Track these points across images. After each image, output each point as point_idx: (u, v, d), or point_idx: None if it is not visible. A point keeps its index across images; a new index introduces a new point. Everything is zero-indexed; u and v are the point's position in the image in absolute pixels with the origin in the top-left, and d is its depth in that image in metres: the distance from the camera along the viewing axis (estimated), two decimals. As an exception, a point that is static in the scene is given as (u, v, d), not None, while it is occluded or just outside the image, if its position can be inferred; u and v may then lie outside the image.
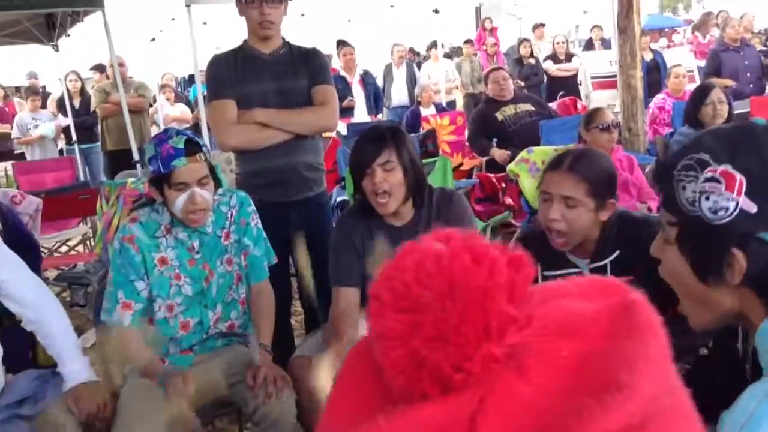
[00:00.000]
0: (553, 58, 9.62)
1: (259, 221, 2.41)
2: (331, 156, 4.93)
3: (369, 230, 2.35)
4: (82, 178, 7.24)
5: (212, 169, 2.23)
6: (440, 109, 7.63)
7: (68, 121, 7.94)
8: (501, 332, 0.65)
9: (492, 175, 4.95)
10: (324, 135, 4.46)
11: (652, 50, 8.48)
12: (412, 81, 8.66)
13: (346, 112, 7.20)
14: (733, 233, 0.98)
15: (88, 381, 2.13)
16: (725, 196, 0.98)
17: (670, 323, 0.71)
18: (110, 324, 2.20)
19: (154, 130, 8.19)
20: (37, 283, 2.26)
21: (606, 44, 10.51)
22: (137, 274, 2.19)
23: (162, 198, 2.18)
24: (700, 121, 4.02)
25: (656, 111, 5.85)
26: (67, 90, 8.01)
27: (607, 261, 1.97)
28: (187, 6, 5.80)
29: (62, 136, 8.40)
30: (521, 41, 10.26)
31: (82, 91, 8.10)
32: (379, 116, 8.06)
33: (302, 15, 12.81)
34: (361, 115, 7.52)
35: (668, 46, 12.28)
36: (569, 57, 9.69)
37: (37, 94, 8.57)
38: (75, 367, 2.14)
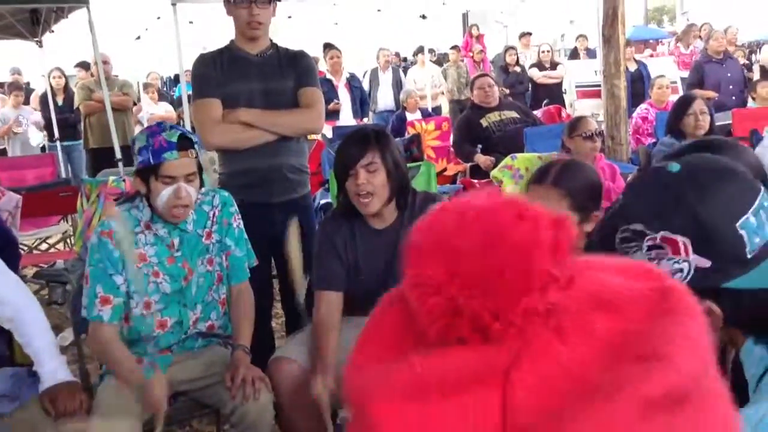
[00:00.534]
0: (539, 66, 9.67)
1: (242, 222, 2.40)
2: (315, 158, 4.92)
3: (352, 233, 2.34)
4: (63, 175, 7.18)
5: (200, 168, 2.22)
6: (426, 115, 7.65)
7: (38, 117, 7.85)
8: (542, 288, 0.65)
9: (476, 181, 4.96)
10: (309, 137, 4.46)
11: (636, 61, 8.56)
12: (398, 86, 8.68)
13: (332, 115, 7.19)
14: (698, 290, 0.97)
15: (65, 380, 2.11)
16: (675, 260, 0.97)
17: None
18: (89, 319, 2.18)
19: (137, 129, 8.13)
20: (14, 280, 2.24)
21: (591, 54, 10.60)
22: (115, 268, 2.17)
23: (146, 189, 2.16)
24: (682, 132, 4.06)
25: (639, 121, 5.90)
26: (51, 87, 7.93)
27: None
28: (173, 5, 5.78)
29: (44, 132, 8.32)
30: (507, 49, 10.31)
31: (66, 88, 8.03)
32: (365, 120, 8.07)
33: (289, 17, 12.79)
34: (347, 118, 7.52)
35: (651, 56, 12.39)
36: (554, 65, 9.75)
37: (20, 89, 8.47)
38: (52, 367, 2.12)
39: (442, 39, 15.73)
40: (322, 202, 4.18)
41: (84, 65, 8.22)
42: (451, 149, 6.15)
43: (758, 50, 11.33)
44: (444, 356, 0.66)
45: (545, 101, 8.31)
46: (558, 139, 3.98)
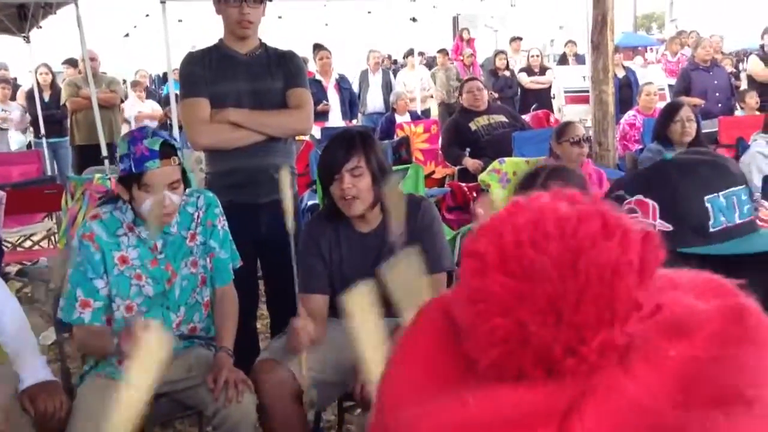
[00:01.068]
0: (528, 70, 9.70)
1: (226, 223, 2.38)
2: (303, 159, 4.91)
3: (336, 236, 2.34)
4: (49, 172, 7.13)
5: (183, 172, 2.19)
6: (415, 117, 7.66)
7: (18, 115, 7.77)
8: (625, 318, 0.57)
9: (464, 184, 4.96)
10: (297, 138, 4.45)
11: (624, 67, 8.61)
12: (387, 88, 8.68)
13: (321, 116, 7.18)
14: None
15: (45, 380, 2.09)
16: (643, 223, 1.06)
17: None
18: (69, 322, 2.15)
19: (124, 127, 8.09)
20: None
21: (580, 59, 10.64)
22: (96, 272, 2.14)
23: (129, 196, 2.14)
24: (668, 138, 4.08)
25: (626, 127, 5.93)
26: (38, 83, 7.88)
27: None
28: (162, 2, 5.75)
29: (30, 129, 8.26)
30: (497, 53, 10.34)
31: (53, 85, 7.98)
32: (354, 121, 8.06)
33: (279, 17, 12.76)
34: (336, 119, 7.51)
35: (643, 65, 12.47)
36: (543, 70, 9.78)
37: (6, 82, 8.40)
38: (32, 366, 2.09)
39: (432, 42, 15.76)
40: (310, 203, 4.17)
41: (72, 62, 8.17)
42: (440, 152, 6.16)
43: (745, 59, 11.42)
44: (500, 393, 0.58)
45: (534, 106, 8.34)
46: (546, 143, 3.99)
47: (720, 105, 6.94)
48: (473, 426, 0.57)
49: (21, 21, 7.24)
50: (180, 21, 11.74)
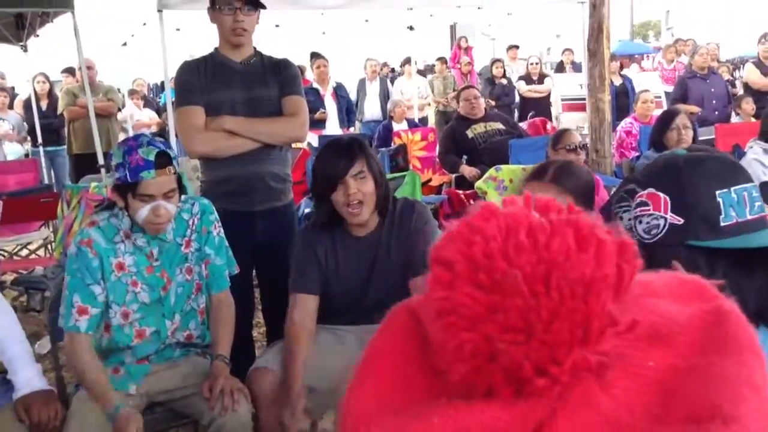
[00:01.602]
0: (527, 78, 9.72)
1: (222, 230, 2.38)
2: (300, 167, 4.91)
3: (332, 240, 2.34)
4: (46, 180, 7.11)
5: (179, 180, 2.19)
6: (412, 125, 7.67)
7: (8, 127, 7.75)
8: (599, 335, 0.54)
9: (461, 191, 4.96)
10: (294, 146, 4.45)
11: (621, 75, 8.63)
12: (385, 96, 8.70)
13: (318, 124, 7.19)
14: (668, 246, 1.05)
15: (40, 389, 2.08)
16: (654, 216, 1.08)
17: None
18: (66, 329, 2.15)
19: (122, 136, 8.08)
20: None
21: (576, 67, 10.68)
22: (94, 278, 2.14)
23: (124, 204, 2.13)
24: (665, 146, 4.08)
25: (623, 135, 5.94)
26: (35, 91, 7.88)
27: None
28: (159, 11, 5.75)
29: (28, 138, 8.26)
30: (494, 61, 10.37)
31: (50, 93, 7.98)
32: (351, 129, 8.08)
33: (276, 26, 12.80)
34: (333, 127, 7.52)
35: (638, 72, 12.50)
36: (542, 78, 9.80)
37: (4, 91, 8.39)
38: (27, 375, 2.09)
39: (429, 50, 15.79)
40: (307, 210, 4.16)
41: (70, 71, 8.17)
42: (437, 160, 6.17)
43: (742, 67, 11.46)
44: (467, 412, 0.55)
45: (530, 114, 8.35)
46: (543, 151, 3.99)
47: (717, 112, 6.96)
48: None
49: (18, 30, 7.25)
50: (177, 30, 11.76)
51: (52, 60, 10.11)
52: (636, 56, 16.44)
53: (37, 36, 7.54)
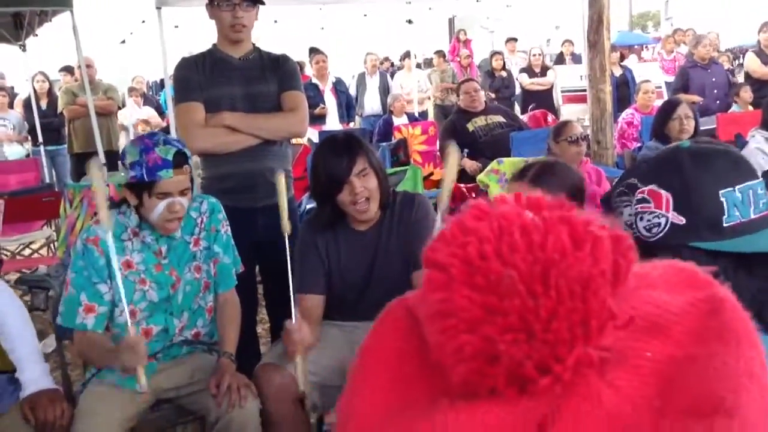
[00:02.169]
0: (528, 70, 9.70)
1: (229, 228, 2.38)
2: (301, 163, 4.90)
3: (334, 236, 2.34)
4: (47, 180, 7.11)
5: (192, 180, 2.19)
6: (412, 119, 7.65)
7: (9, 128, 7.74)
8: (600, 331, 0.54)
9: (462, 185, 4.96)
10: (295, 142, 4.44)
11: (621, 66, 8.61)
12: (385, 90, 8.68)
13: (318, 119, 7.18)
14: (668, 246, 1.03)
15: (47, 388, 2.08)
16: (656, 214, 1.06)
17: None
18: (73, 327, 2.15)
19: (122, 135, 8.08)
20: (1, 287, 2.21)
21: (576, 59, 10.66)
22: (100, 276, 2.14)
23: (137, 202, 2.13)
24: (666, 136, 4.08)
25: (624, 126, 5.94)
26: (34, 91, 7.87)
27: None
28: (158, 8, 5.74)
29: (28, 137, 8.25)
30: (493, 54, 10.34)
31: (50, 92, 7.97)
32: (351, 124, 8.07)
33: (275, 21, 12.78)
34: (333, 122, 7.51)
35: (639, 61, 12.48)
36: (544, 70, 9.78)
37: (3, 90, 8.38)
38: (34, 374, 2.09)
39: (428, 44, 15.78)
40: (308, 206, 4.15)
41: (69, 69, 8.16)
42: (438, 154, 6.15)
43: (742, 56, 11.44)
44: (471, 415, 0.54)
45: (531, 106, 8.34)
46: (544, 143, 3.99)
47: (718, 102, 6.96)
48: None
49: (17, 29, 7.24)
50: (176, 27, 11.75)
51: (51, 59, 10.09)
52: (635, 47, 16.40)
53: (36, 35, 7.53)
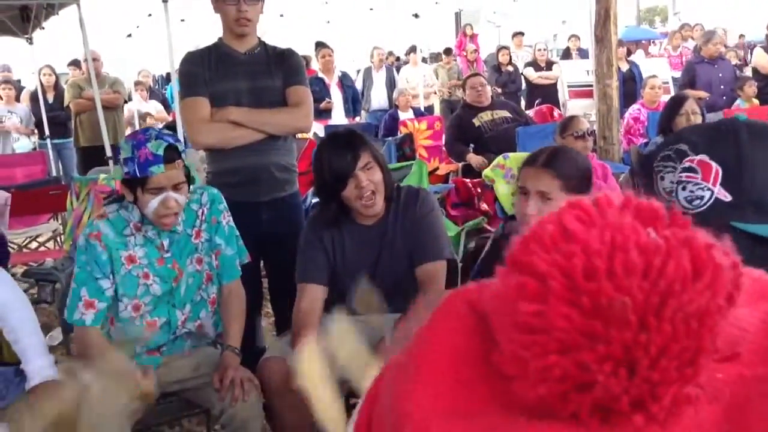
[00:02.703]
0: (534, 65, 9.67)
1: (231, 219, 2.38)
2: (307, 157, 4.89)
3: (339, 230, 2.34)
4: (54, 173, 7.13)
5: (187, 172, 2.19)
6: (418, 114, 7.64)
7: (16, 120, 7.76)
8: (702, 368, 0.49)
9: (468, 180, 4.95)
10: (300, 136, 4.44)
11: (628, 61, 8.58)
12: (391, 85, 8.67)
13: (324, 114, 7.18)
14: (708, 222, 0.98)
15: (53, 380, 2.09)
16: (701, 186, 0.99)
17: None
18: (72, 323, 2.16)
19: (129, 129, 8.08)
20: (5, 278, 2.22)
21: (583, 54, 10.61)
22: (102, 272, 2.14)
23: (133, 198, 2.14)
24: (673, 132, 4.06)
25: (631, 121, 5.91)
26: (41, 84, 7.88)
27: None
28: (164, 2, 5.74)
29: (35, 130, 8.28)
30: (500, 49, 10.31)
31: (56, 86, 7.98)
32: (357, 119, 8.06)
33: (281, 15, 12.77)
34: (339, 117, 7.50)
35: (647, 56, 12.42)
36: (549, 65, 9.75)
37: (8, 82, 8.39)
38: (39, 365, 2.10)
39: (434, 38, 15.74)
40: (314, 201, 4.16)
41: (76, 63, 8.17)
42: (444, 148, 6.15)
43: (750, 51, 11.38)
44: None
45: (537, 101, 8.32)
46: (550, 138, 3.98)
47: (725, 97, 6.93)
48: None
49: (24, 22, 7.25)
50: (182, 20, 11.76)
51: (57, 52, 10.11)
52: (643, 42, 16.33)
53: (43, 28, 7.55)
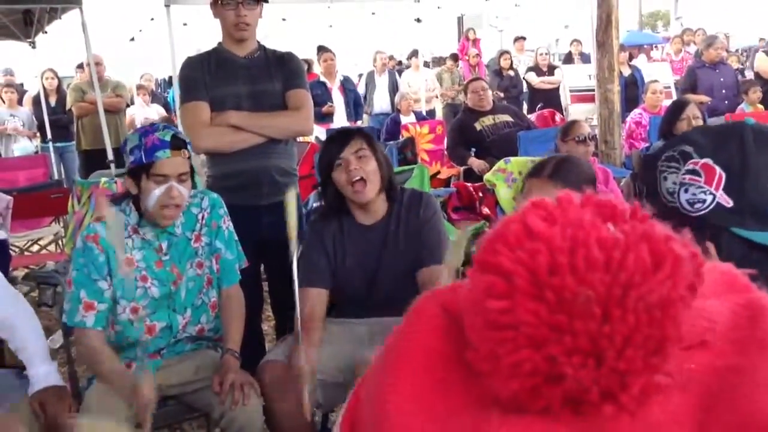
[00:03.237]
0: (536, 70, 9.67)
1: (231, 224, 2.39)
2: (308, 161, 4.90)
3: (340, 229, 2.35)
4: (56, 176, 7.14)
5: (192, 170, 2.21)
6: (420, 118, 7.65)
7: (18, 123, 7.77)
8: (669, 357, 0.50)
9: (469, 184, 4.96)
10: (302, 140, 4.44)
11: (630, 66, 8.58)
12: (394, 89, 8.68)
13: (326, 117, 7.18)
14: (707, 226, 0.97)
15: (55, 385, 2.09)
16: (704, 189, 1.00)
17: None
18: (71, 325, 2.16)
19: (130, 132, 8.08)
20: (5, 284, 2.22)
21: (585, 58, 10.61)
22: (100, 274, 2.14)
23: (137, 190, 2.14)
24: (675, 136, 4.06)
25: (633, 125, 5.92)
26: (44, 88, 7.90)
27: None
28: (167, 6, 5.76)
29: (37, 133, 8.29)
30: (501, 53, 10.32)
31: (59, 89, 7.99)
32: (359, 123, 8.06)
33: (283, 19, 12.79)
34: (341, 121, 7.51)
35: (649, 61, 12.42)
36: (551, 69, 9.75)
37: (11, 86, 8.41)
38: (42, 370, 2.10)
39: (436, 42, 15.76)
40: (315, 205, 4.16)
41: (83, 67, 8.18)
42: (445, 152, 6.15)
43: (749, 56, 11.39)
44: (523, 430, 0.51)
45: (539, 105, 8.32)
46: (551, 142, 3.98)
47: (726, 102, 6.93)
48: None
49: (27, 26, 7.26)
50: (185, 24, 11.77)
51: (60, 56, 10.13)
52: (645, 46, 16.34)
53: (45, 32, 7.56)
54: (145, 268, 2.20)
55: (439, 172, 5.98)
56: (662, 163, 1.06)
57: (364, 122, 8.37)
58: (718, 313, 0.56)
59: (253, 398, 2.11)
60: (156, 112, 8.88)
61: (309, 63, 8.08)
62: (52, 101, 7.90)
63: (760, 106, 6.81)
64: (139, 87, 9.35)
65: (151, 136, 2.10)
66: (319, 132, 6.38)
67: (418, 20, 9.44)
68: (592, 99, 6.04)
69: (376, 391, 0.59)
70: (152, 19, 14.23)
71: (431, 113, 9.29)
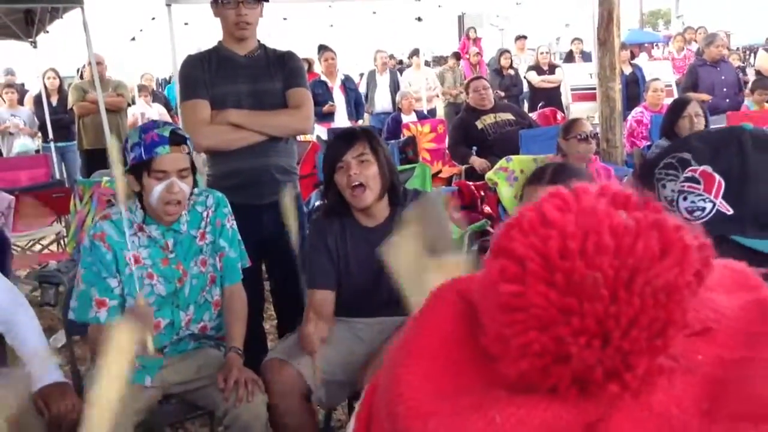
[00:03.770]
0: (537, 68, 9.67)
1: (234, 223, 2.39)
2: (310, 160, 4.91)
3: (342, 231, 2.35)
4: (57, 176, 7.15)
5: (193, 167, 2.21)
6: (421, 117, 7.65)
7: (19, 121, 7.77)
8: (673, 341, 0.52)
9: (471, 183, 4.96)
10: (303, 139, 4.45)
11: (631, 64, 8.58)
12: (395, 88, 8.68)
13: (327, 117, 7.18)
14: (708, 234, 0.97)
15: (57, 381, 2.09)
16: (703, 197, 0.98)
17: None
18: (82, 321, 2.17)
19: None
20: (6, 283, 2.22)
21: (586, 57, 10.61)
22: (108, 271, 2.16)
23: (139, 187, 2.15)
24: (676, 134, 4.07)
25: (634, 124, 5.91)
26: (45, 87, 7.90)
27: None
28: (168, 5, 5.76)
29: (39, 134, 8.29)
30: (502, 52, 10.31)
31: (60, 89, 7.99)
32: (360, 122, 8.06)
33: (284, 19, 12.79)
34: (342, 120, 7.51)
35: (650, 59, 12.42)
36: (552, 68, 9.74)
37: (11, 86, 8.41)
38: (44, 368, 2.10)
39: (437, 41, 15.76)
40: (317, 203, 4.16)
41: (84, 68, 8.19)
42: (447, 151, 6.15)
43: (753, 54, 11.38)
44: (529, 412, 0.53)
45: (540, 104, 8.32)
46: (553, 141, 3.98)
47: (728, 100, 6.92)
48: None
49: (28, 26, 7.27)
50: (186, 24, 11.78)
51: (61, 56, 10.13)
52: (646, 45, 16.34)
53: (47, 32, 7.56)
54: (151, 265, 2.21)
55: (440, 171, 5.98)
56: (660, 171, 1.05)
57: (365, 121, 8.37)
58: (726, 306, 0.58)
59: (258, 395, 2.12)
60: (157, 113, 8.89)
61: (310, 62, 8.08)
62: (54, 101, 7.90)
63: (766, 105, 6.79)
64: (141, 88, 9.36)
65: (150, 133, 2.11)
66: (320, 131, 6.38)
67: (419, 19, 9.45)
68: (593, 97, 6.04)
69: (391, 372, 0.61)
70: (153, 18, 14.24)
71: (432, 112, 9.29)
